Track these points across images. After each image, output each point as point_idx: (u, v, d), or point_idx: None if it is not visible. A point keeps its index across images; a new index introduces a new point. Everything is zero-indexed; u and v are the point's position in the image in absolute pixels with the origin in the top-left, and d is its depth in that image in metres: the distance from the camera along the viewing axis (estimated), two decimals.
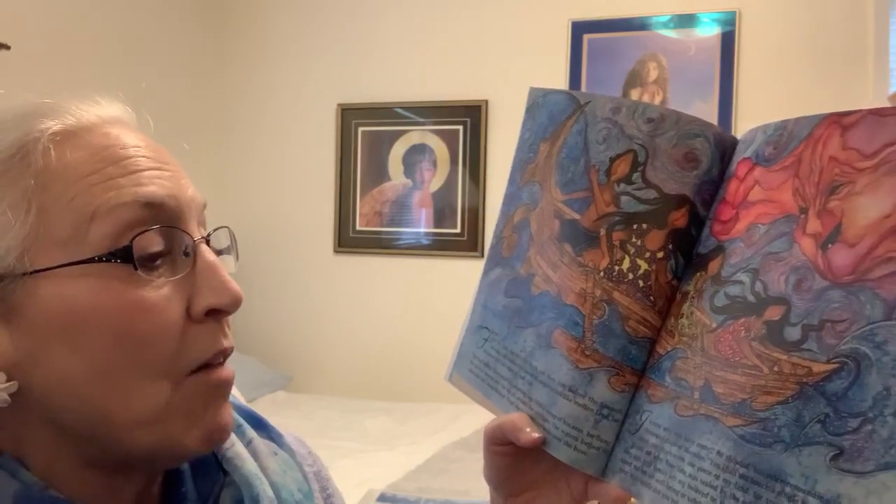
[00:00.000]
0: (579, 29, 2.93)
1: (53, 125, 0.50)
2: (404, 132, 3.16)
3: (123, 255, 0.48)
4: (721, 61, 2.78)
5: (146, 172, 0.50)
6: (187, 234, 0.52)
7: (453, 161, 3.09)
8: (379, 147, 3.20)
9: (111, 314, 0.47)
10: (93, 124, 0.52)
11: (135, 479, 0.54)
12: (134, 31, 2.88)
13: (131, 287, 0.48)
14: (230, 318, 0.54)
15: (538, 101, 0.60)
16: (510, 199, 0.62)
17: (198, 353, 0.51)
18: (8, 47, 2.31)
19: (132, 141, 0.52)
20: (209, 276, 0.51)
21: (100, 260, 0.47)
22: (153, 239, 0.49)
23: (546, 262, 0.55)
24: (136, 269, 0.48)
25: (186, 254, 0.51)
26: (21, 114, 0.51)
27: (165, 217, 0.50)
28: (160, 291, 0.49)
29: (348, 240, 3.24)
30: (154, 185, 0.50)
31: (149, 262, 0.49)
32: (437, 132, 3.12)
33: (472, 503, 1.81)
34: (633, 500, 0.49)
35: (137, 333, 0.48)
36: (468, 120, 3.07)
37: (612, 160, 0.52)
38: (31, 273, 0.47)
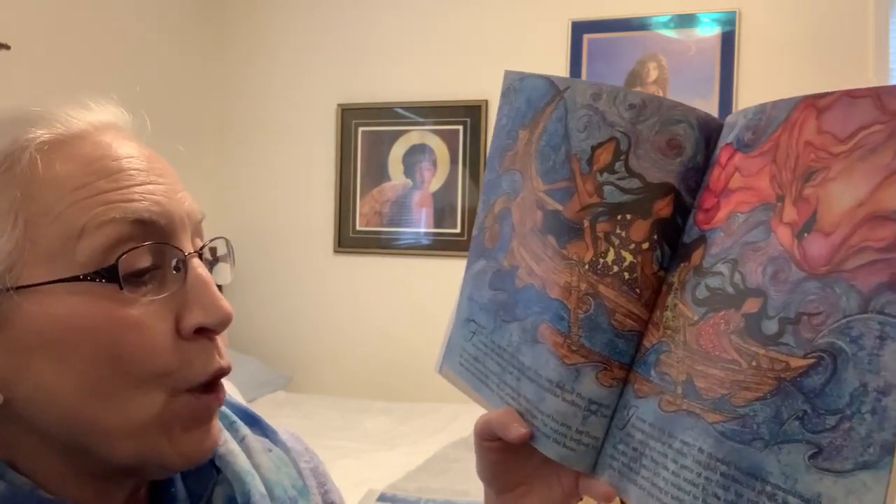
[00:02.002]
0: (579, 29, 2.92)
1: (42, 134, 0.48)
2: (404, 132, 3.16)
3: (109, 274, 0.47)
4: (721, 61, 2.77)
5: (138, 187, 0.49)
6: (178, 249, 0.50)
7: (453, 161, 3.09)
8: (379, 147, 3.19)
9: (97, 332, 0.46)
10: (83, 132, 0.50)
11: (124, 485, 0.54)
12: (133, 33, 2.88)
13: (117, 305, 0.47)
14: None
15: (514, 85, 0.58)
16: (490, 187, 0.60)
17: (194, 373, 0.50)
18: (8, 47, 2.31)
19: (125, 151, 0.50)
20: (199, 292, 0.50)
21: (85, 278, 0.46)
22: (141, 255, 0.48)
23: (529, 254, 0.54)
24: (121, 288, 0.47)
25: (177, 269, 0.50)
26: (8, 121, 0.50)
27: (156, 233, 0.49)
28: (147, 309, 0.48)
29: (348, 240, 3.24)
30: (146, 201, 0.49)
31: (136, 279, 0.48)
32: (437, 132, 3.11)
33: (472, 503, 1.80)
34: (620, 497, 0.49)
35: (123, 351, 0.47)
36: (468, 120, 3.06)
37: (594, 149, 0.50)
38: (17, 289, 0.46)
